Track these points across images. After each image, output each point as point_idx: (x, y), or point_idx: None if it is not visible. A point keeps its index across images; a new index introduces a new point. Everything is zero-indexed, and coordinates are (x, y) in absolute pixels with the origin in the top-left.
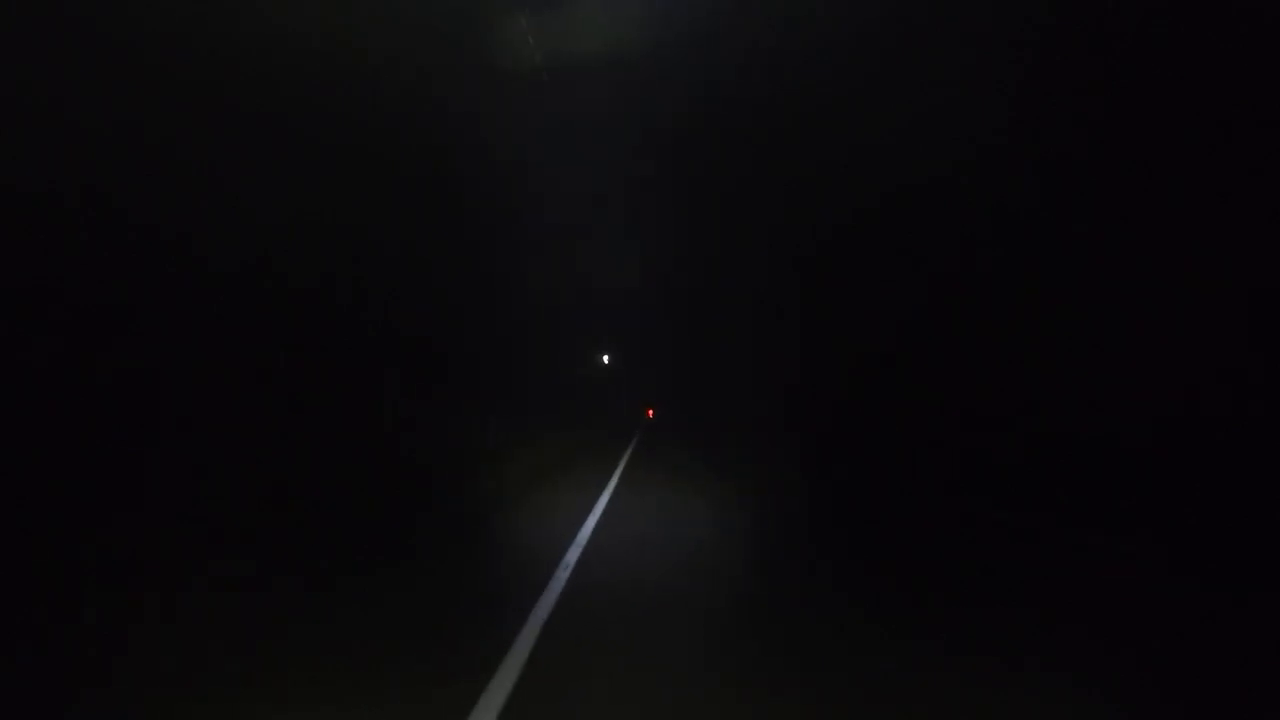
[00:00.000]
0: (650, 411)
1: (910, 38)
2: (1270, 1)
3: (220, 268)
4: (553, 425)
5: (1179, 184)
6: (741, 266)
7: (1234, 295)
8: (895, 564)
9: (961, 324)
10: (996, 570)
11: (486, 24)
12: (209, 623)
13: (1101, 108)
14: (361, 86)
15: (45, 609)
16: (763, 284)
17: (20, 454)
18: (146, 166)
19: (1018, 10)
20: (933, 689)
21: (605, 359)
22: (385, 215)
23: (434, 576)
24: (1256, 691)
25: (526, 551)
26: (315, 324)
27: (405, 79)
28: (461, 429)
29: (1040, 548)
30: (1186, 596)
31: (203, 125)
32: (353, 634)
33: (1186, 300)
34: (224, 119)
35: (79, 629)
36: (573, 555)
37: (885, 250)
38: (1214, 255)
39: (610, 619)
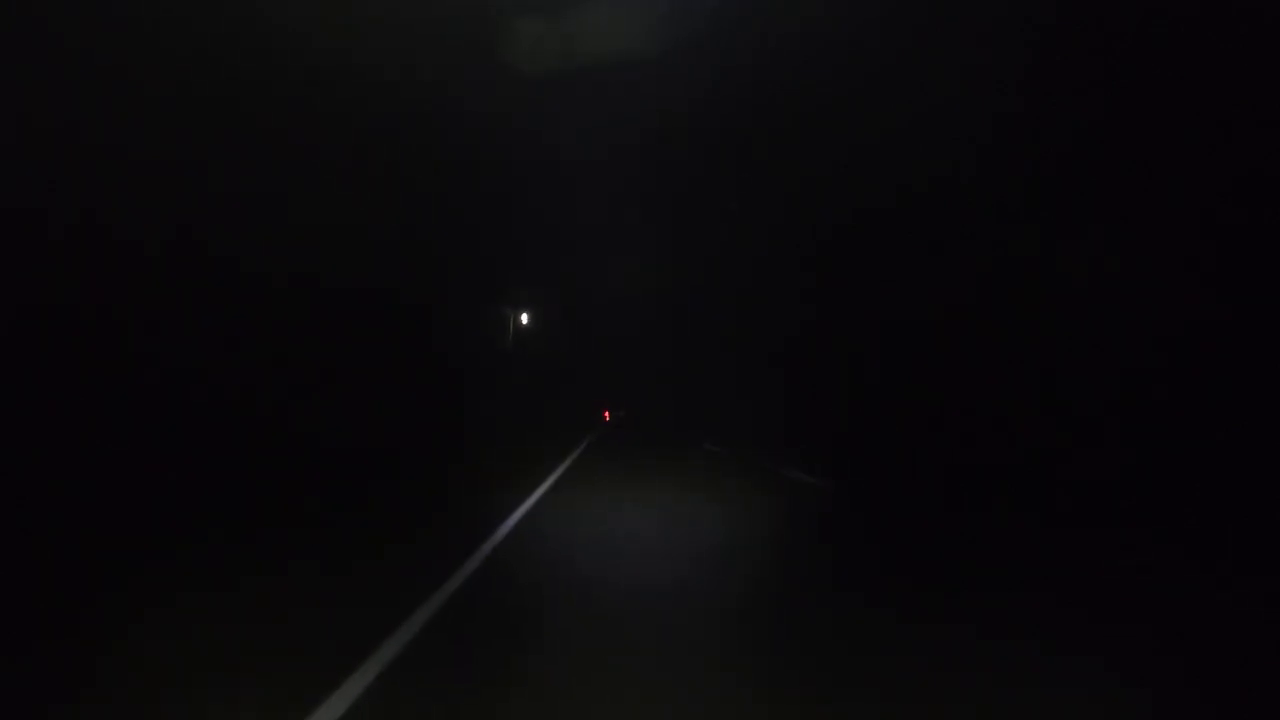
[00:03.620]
0: (606, 414)
1: (916, 38)
2: (1270, 1)
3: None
4: None
5: (1179, 183)
6: (737, 261)
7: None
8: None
9: (959, 325)
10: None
11: (484, 25)
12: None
13: (1104, 107)
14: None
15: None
16: (758, 280)
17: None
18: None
19: (1019, 10)
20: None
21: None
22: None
23: None
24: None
25: None
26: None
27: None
28: None
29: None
30: (1196, 587)
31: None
32: None
33: (1184, 297)
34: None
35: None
36: None
37: (883, 250)
38: (1211, 254)
39: None
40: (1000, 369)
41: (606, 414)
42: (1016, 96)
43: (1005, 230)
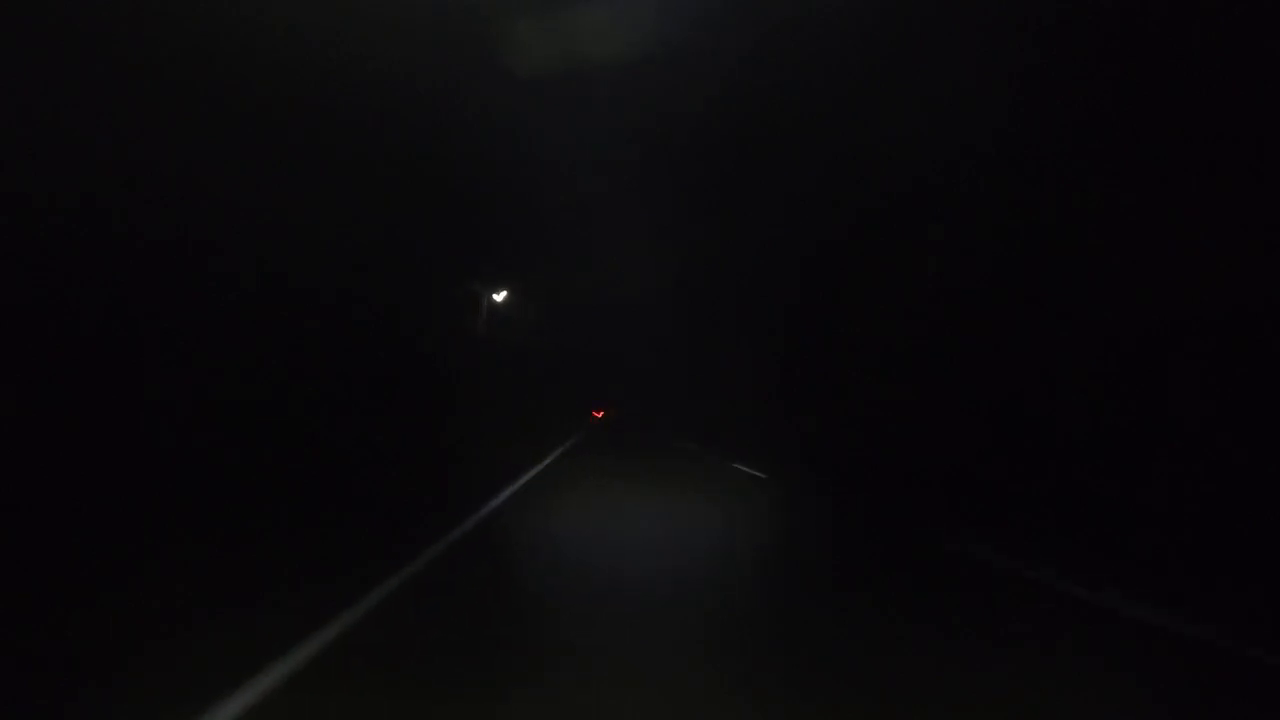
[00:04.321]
0: (599, 413)
1: (916, 38)
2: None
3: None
4: None
5: (1177, 183)
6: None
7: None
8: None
9: (953, 331)
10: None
11: (478, 26)
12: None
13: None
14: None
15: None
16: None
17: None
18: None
19: (1010, 13)
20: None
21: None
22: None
23: None
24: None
25: None
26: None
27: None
28: None
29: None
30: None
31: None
32: None
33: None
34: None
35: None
36: None
37: (883, 250)
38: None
39: None
40: (1000, 371)
41: (598, 414)
42: (1022, 94)
43: (1004, 229)
